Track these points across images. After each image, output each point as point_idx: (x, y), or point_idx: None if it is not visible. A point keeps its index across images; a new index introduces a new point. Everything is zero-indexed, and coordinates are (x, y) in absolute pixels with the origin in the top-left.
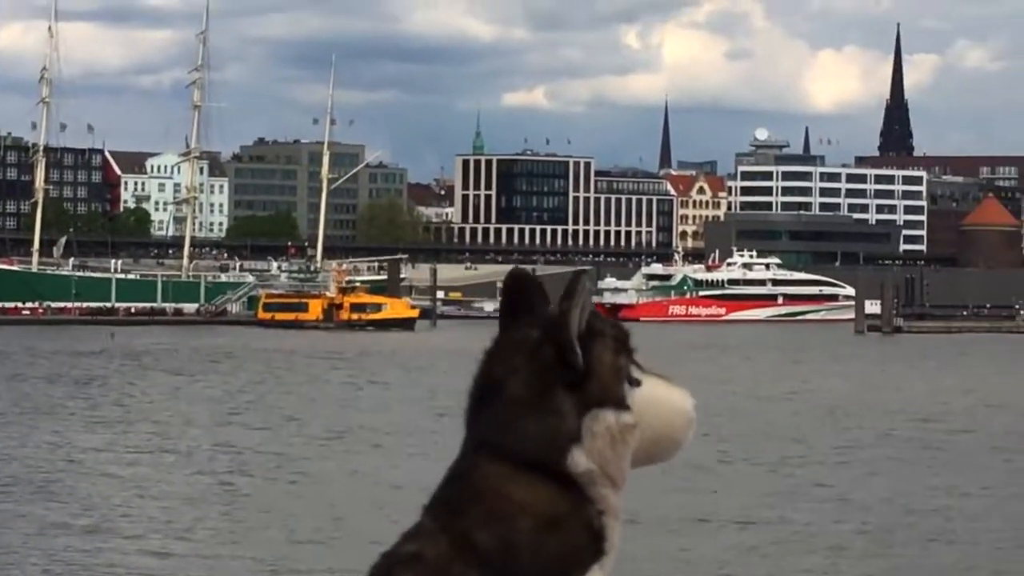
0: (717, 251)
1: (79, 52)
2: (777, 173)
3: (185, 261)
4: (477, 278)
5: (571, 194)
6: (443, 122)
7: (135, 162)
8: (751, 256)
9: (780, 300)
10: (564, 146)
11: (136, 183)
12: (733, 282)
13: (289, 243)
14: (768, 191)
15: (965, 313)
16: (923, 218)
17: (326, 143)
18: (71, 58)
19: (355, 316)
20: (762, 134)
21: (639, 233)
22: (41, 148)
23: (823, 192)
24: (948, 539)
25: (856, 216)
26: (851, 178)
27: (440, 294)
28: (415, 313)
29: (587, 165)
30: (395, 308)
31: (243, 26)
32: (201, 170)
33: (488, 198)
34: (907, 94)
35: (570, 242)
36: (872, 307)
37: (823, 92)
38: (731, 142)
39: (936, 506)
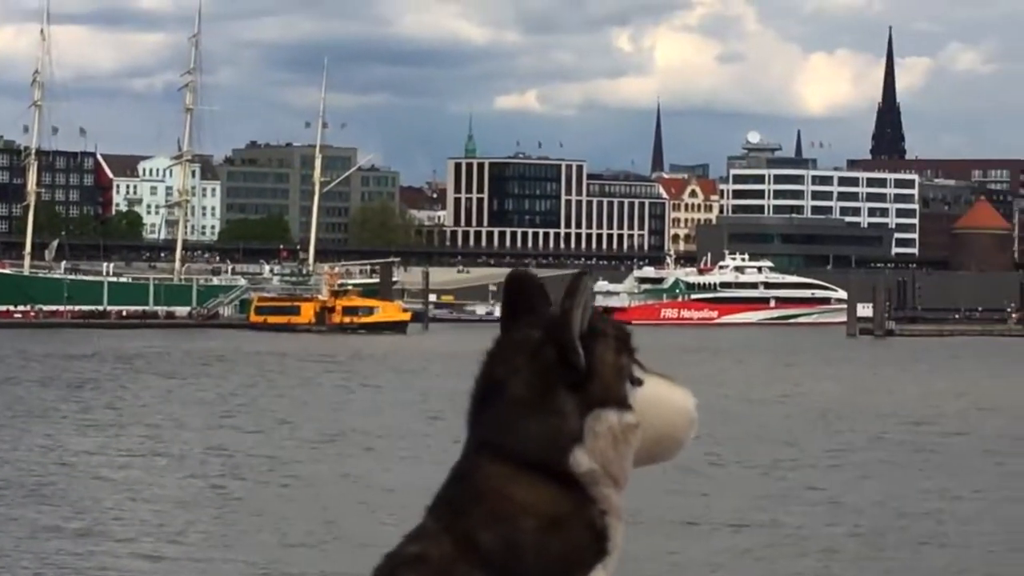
0: (709, 254)
1: (71, 55)
2: (769, 176)
3: (177, 264)
4: (469, 281)
5: (563, 197)
6: (435, 125)
7: (127, 165)
8: (743, 259)
9: (772, 303)
10: (556, 149)
11: (128, 186)
12: (725, 285)
13: (281, 246)
14: (760, 194)
15: (957, 316)
16: (915, 221)
17: (318, 146)
18: (63, 61)
19: (347, 319)
20: (754, 137)
21: (631, 236)
22: (33, 151)
23: (815, 195)
24: (940, 542)
25: (848, 219)
26: (843, 181)
27: (432, 297)
28: (407, 316)
29: (579, 168)
30: (387, 311)
31: (235, 29)
32: (193, 173)
33: (480, 201)
34: (899, 97)
35: (562, 245)
36: (864, 310)
37: (815, 95)
38: (723, 145)
39: (928, 509)
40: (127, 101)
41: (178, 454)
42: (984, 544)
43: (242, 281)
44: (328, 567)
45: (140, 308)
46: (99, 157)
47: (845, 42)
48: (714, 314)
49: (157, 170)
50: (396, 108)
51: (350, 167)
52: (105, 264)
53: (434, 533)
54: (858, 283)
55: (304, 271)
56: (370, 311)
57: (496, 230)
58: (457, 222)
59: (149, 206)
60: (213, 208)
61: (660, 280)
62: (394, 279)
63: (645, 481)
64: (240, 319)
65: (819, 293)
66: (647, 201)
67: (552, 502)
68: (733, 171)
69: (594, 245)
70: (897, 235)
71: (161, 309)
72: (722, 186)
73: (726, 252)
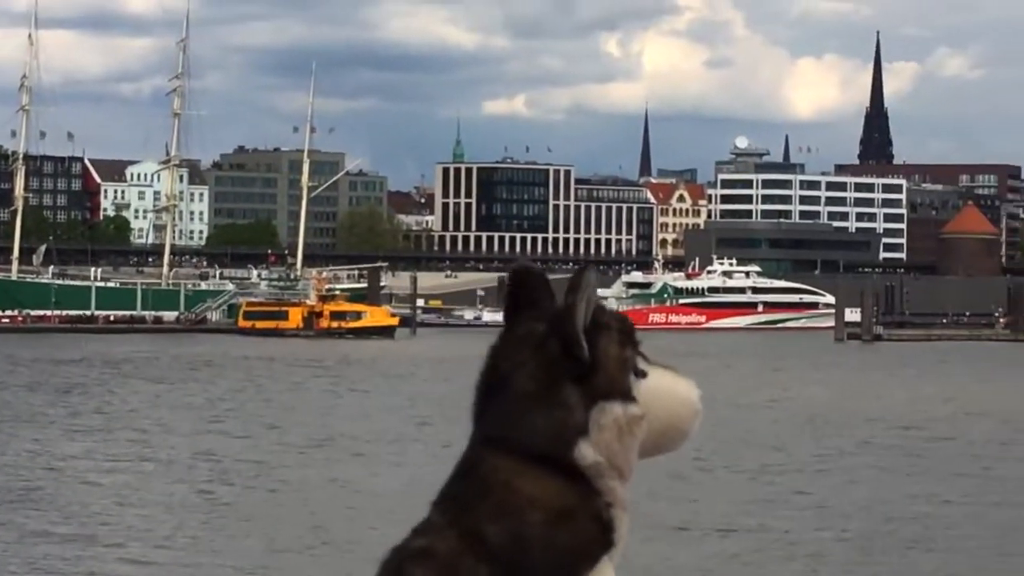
0: (697, 259)
1: (59, 60)
2: (757, 181)
3: (165, 269)
4: (457, 286)
5: (551, 202)
6: (423, 130)
7: (115, 170)
8: (731, 264)
9: (760, 308)
10: (544, 154)
11: (116, 191)
12: (713, 290)
13: (269, 251)
14: (748, 199)
15: (945, 321)
16: (903, 226)
17: (306, 151)
18: (51, 66)
19: (335, 324)
20: (742, 142)
21: (619, 241)
22: (21, 156)
23: (803, 200)
24: (927, 546)
25: (836, 224)
26: (831, 186)
27: (420, 302)
28: (395, 321)
29: (567, 173)
30: (375, 316)
31: (223, 34)
32: (181, 178)
33: (468, 206)
34: (887, 102)
35: (550, 250)
36: (852, 315)
37: (803, 100)
38: (711, 150)
39: (916, 513)
40: (115, 106)
41: (166, 459)
42: (971, 548)
43: (230, 286)
44: (316, 572)
45: (128, 313)
46: (87, 162)
47: (833, 47)
48: (702, 319)
49: (145, 175)
50: (384, 113)
51: (338, 172)
52: (93, 269)
53: (440, 527)
54: (846, 288)
55: (292, 276)
56: (358, 316)
57: (484, 235)
58: (445, 227)
59: (137, 211)
60: (201, 213)
61: (648, 285)
62: (382, 284)
63: (634, 486)
64: (228, 324)
65: (807, 298)
66: (635, 206)
67: (558, 495)
68: (721, 176)
69: (582, 250)
70: (885, 240)
71: (149, 314)
72: (710, 191)
73: (714, 257)
